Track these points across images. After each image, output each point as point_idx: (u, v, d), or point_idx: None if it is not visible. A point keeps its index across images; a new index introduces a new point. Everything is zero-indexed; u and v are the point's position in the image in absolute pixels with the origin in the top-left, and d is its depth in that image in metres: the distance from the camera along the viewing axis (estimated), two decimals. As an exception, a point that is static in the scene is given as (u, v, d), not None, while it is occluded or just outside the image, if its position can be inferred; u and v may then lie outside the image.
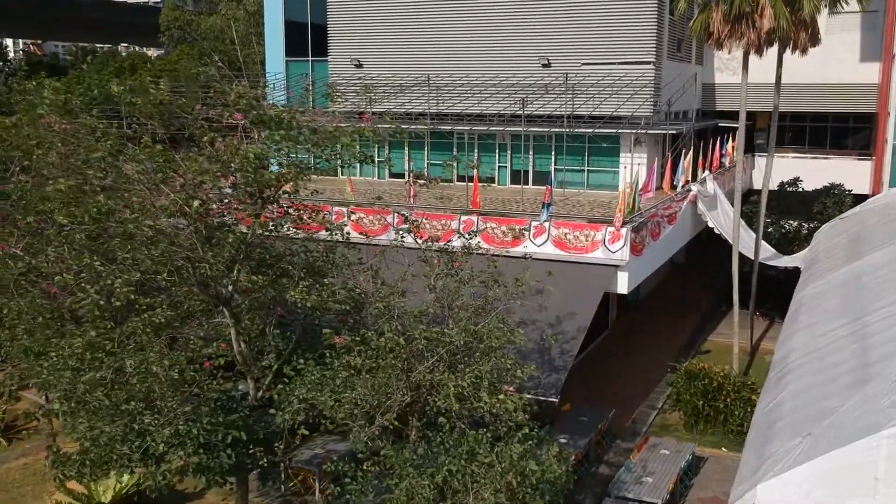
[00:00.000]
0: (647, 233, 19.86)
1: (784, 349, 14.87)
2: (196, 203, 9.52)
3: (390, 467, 9.67)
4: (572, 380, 22.21)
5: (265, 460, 10.40)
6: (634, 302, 29.82)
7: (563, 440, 17.09)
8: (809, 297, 17.70)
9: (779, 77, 23.84)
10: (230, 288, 11.28)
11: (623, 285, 18.81)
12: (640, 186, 21.29)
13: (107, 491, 14.63)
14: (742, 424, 18.58)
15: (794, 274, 28.72)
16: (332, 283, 11.32)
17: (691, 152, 25.61)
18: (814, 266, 21.48)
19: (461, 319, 11.03)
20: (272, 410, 10.50)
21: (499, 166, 30.58)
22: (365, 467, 10.64)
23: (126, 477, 13.79)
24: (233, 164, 9.81)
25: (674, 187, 24.19)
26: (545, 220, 19.24)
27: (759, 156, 35.66)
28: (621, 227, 18.46)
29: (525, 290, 12.29)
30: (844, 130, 37.80)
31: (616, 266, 18.70)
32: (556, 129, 27.39)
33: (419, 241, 12.26)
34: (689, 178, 25.21)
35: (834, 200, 29.57)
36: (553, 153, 28.99)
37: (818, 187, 30.96)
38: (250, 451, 10.27)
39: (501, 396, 9.44)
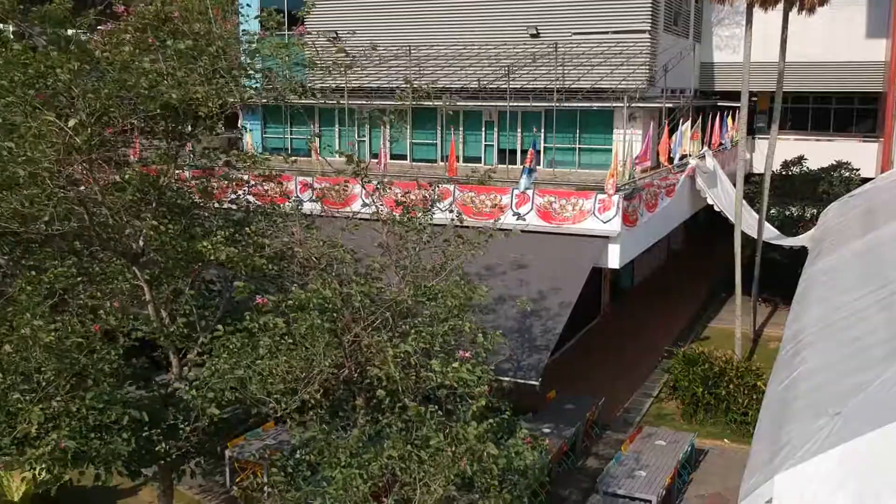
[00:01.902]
0: (642, 203, 18.03)
1: (796, 325, 13.09)
2: (73, 122, 7.64)
3: (320, 451, 7.83)
4: (559, 367, 20.39)
5: (163, 446, 8.53)
6: (628, 288, 28.00)
7: (546, 430, 15.27)
8: (821, 272, 15.90)
9: (784, 40, 22.03)
10: (140, 242, 9.41)
11: (614, 259, 16.96)
12: (635, 155, 19.50)
13: (20, 488, 12.75)
14: (746, 413, 16.75)
15: (799, 258, 26.89)
16: (260, 234, 9.46)
17: (689, 123, 23.76)
18: (823, 242, 19.68)
19: (413, 277, 9.19)
20: (177, 384, 8.63)
21: (485, 145, 28.69)
22: (299, 456, 8.80)
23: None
24: (128, 80, 7.93)
25: (671, 160, 22.36)
26: (527, 188, 17.38)
27: (760, 138, 33.91)
28: (613, 194, 16.62)
29: (490, 240, 10.45)
30: (849, 112, 36.01)
31: (606, 238, 16.85)
32: (545, 104, 25.64)
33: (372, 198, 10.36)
34: (688, 152, 23.38)
35: (841, 179, 27.74)
36: (542, 130, 27.11)
37: (824, 165, 29.11)
38: (144, 435, 8.38)
39: (455, 364, 7.58)
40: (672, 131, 22.92)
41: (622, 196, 16.73)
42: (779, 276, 25.14)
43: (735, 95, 31.38)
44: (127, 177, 8.32)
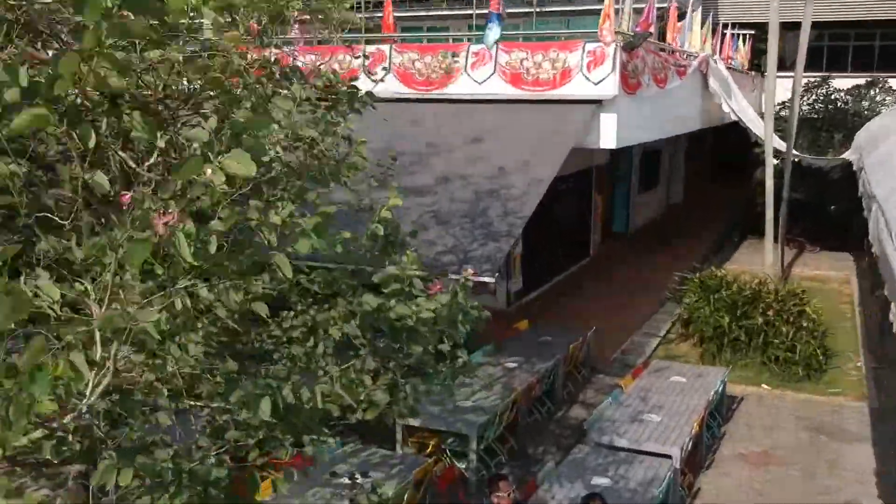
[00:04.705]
0: (647, 68, 13.30)
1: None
2: None
3: None
4: (538, 304, 15.77)
5: None
6: (622, 233, 23.32)
7: (511, 364, 10.53)
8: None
9: None
10: None
11: (609, 134, 12.16)
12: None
13: None
14: (793, 349, 12.07)
15: (824, 200, 22.71)
16: None
17: (699, 11, 19.06)
18: (874, 139, 15.17)
19: None
20: None
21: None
22: None
23: None
24: None
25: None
26: (495, 42, 12.58)
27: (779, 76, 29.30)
28: (609, 42, 11.89)
29: None
30: (870, 49, 31.48)
31: (598, 103, 12.11)
32: (525, 9, 21.19)
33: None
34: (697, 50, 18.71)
35: (874, 104, 23.16)
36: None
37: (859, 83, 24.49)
38: None
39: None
40: (680, 18, 18.17)
41: (620, 46, 12.00)
42: (804, 218, 21.02)
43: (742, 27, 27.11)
44: None
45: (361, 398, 3.69)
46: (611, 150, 20.91)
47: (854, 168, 16.95)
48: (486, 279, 9.02)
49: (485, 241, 9.64)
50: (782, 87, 20.23)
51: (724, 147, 33.59)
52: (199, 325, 3.92)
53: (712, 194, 31.23)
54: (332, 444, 3.70)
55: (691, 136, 29.76)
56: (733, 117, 19.37)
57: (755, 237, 20.72)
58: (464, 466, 8.75)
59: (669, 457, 7.95)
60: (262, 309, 4.14)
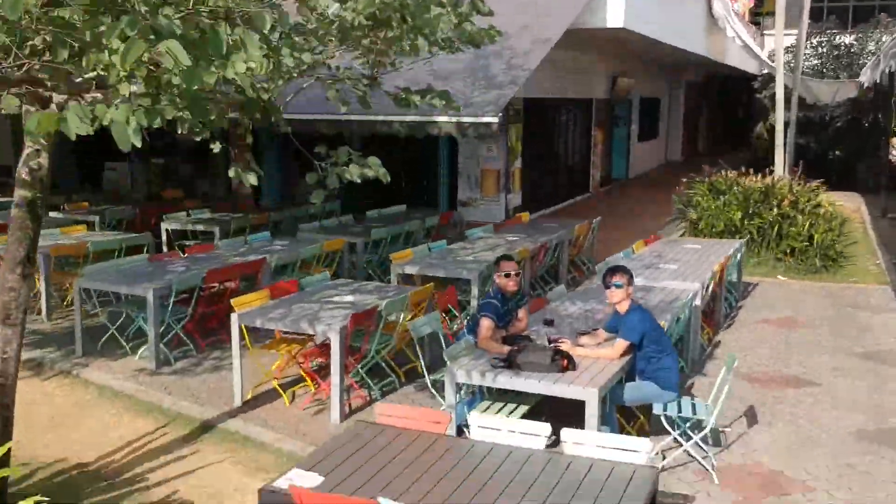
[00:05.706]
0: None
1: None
2: None
3: None
4: (538, 222, 15.09)
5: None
6: (622, 179, 22.70)
7: (513, 238, 9.84)
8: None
9: None
10: None
11: (617, 11, 11.47)
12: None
13: None
14: (810, 240, 11.43)
15: (831, 144, 22.16)
16: None
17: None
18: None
19: None
20: None
21: None
22: None
23: None
24: None
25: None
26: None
27: (769, 34, 28.77)
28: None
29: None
30: (869, 9, 31.00)
31: (603, -23, 11.45)
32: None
33: None
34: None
35: (883, 40, 22.54)
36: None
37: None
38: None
39: None
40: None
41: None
42: (810, 161, 20.48)
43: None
44: None
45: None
46: (611, 87, 20.33)
47: (867, 85, 16.38)
48: (489, 119, 8.35)
49: (486, 90, 8.96)
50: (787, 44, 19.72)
51: (723, 111, 33.05)
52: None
53: (711, 155, 30.86)
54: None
55: (689, 99, 29.28)
56: (738, 42, 18.74)
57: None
58: (462, 322, 8.05)
59: (691, 292, 7.26)
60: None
